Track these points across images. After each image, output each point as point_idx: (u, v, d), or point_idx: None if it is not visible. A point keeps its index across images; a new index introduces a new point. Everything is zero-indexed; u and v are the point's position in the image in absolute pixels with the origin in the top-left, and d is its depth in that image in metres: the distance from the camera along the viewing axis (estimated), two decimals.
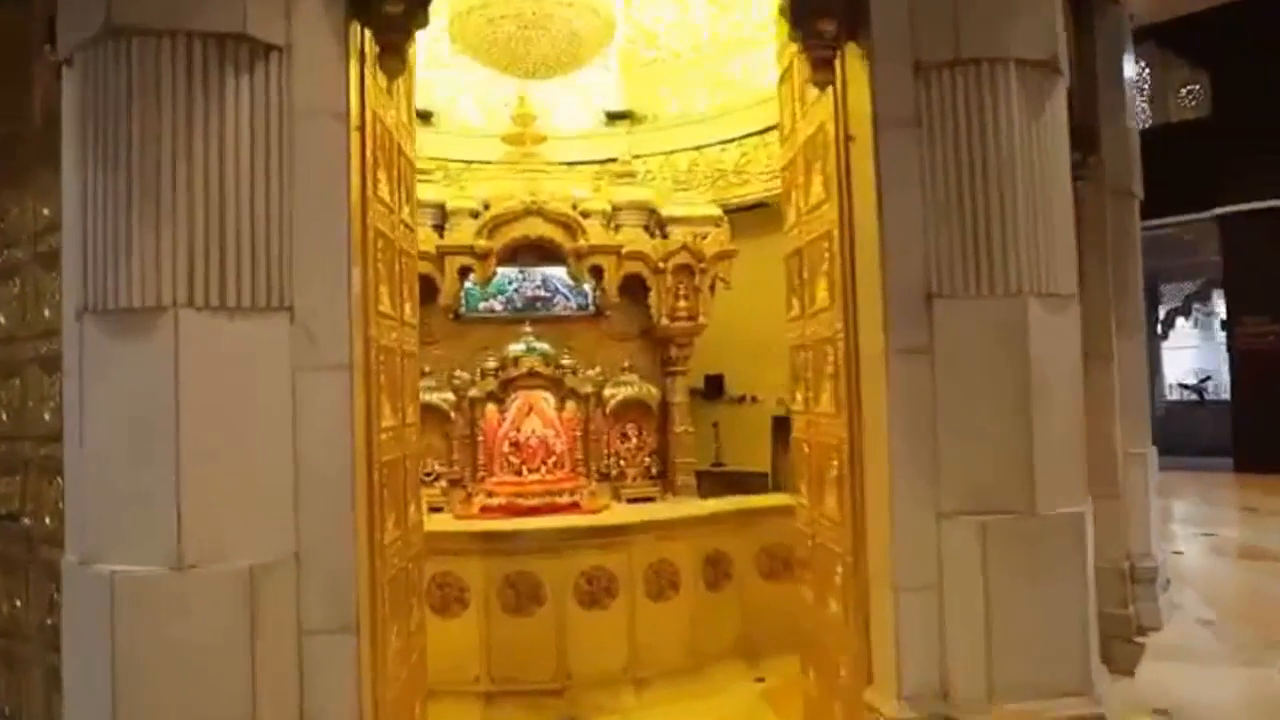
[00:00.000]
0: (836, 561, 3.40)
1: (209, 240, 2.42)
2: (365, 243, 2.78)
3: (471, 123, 8.39)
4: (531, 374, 7.03)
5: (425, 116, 8.14)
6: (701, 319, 7.19)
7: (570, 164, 7.99)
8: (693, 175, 8.17)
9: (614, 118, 8.59)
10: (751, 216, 7.73)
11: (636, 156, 7.94)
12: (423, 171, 7.25)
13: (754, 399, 8.66)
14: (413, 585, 3.62)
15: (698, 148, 8.21)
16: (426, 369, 7.18)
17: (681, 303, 7.17)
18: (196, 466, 2.37)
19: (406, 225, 3.42)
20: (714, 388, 8.70)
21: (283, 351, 2.51)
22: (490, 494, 6.68)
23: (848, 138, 3.20)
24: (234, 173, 2.44)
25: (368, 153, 2.78)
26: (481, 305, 7.35)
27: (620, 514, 5.89)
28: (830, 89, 3.22)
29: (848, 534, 3.26)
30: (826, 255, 3.48)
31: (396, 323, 3.21)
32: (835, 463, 3.38)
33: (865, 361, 3.16)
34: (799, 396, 3.94)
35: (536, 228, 6.65)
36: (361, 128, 2.75)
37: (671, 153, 8.31)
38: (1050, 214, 3.01)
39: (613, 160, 8.02)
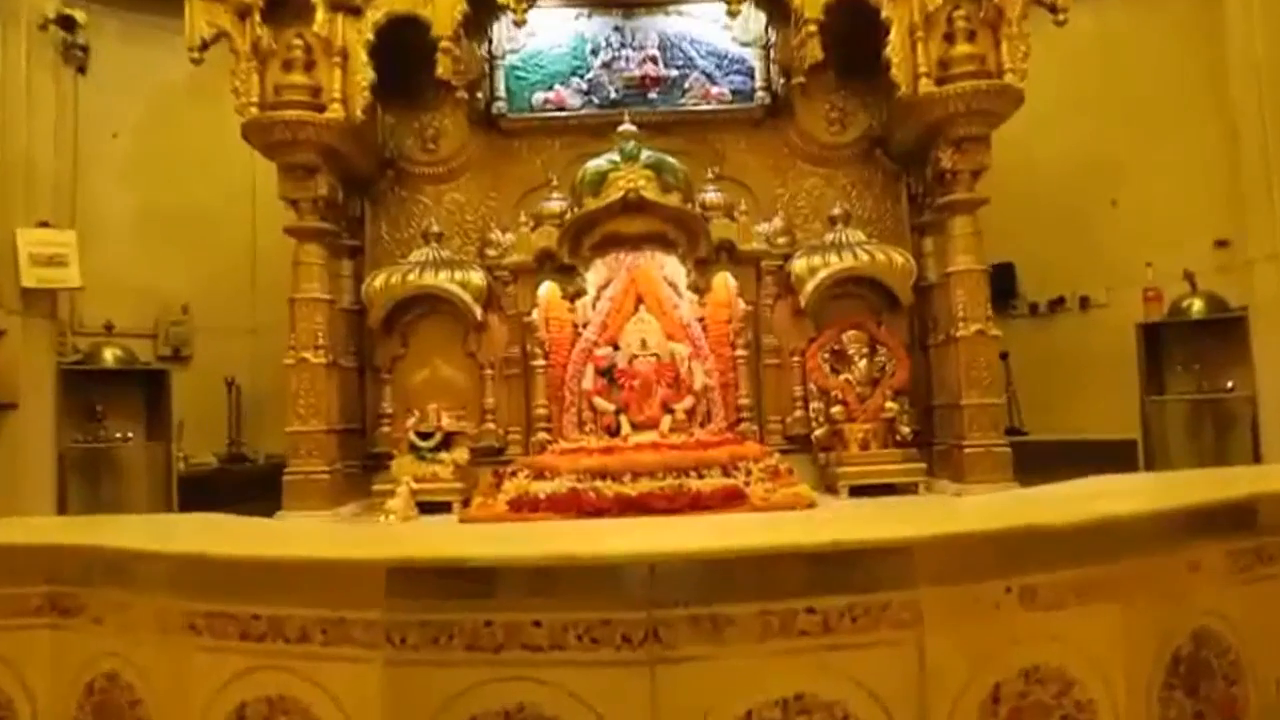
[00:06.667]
0: None
1: None
2: None
3: None
4: (633, 206, 3.22)
5: None
6: (1008, 77, 3.15)
7: None
8: None
9: None
10: None
11: None
12: None
13: (1084, 302, 4.50)
14: None
15: None
16: (434, 228, 3.59)
17: (960, 46, 3.19)
18: None
19: None
20: (998, 286, 4.58)
21: None
22: (543, 474, 2.93)
23: None
24: None
25: None
26: (539, 97, 3.64)
27: (856, 524, 1.86)
28: None
29: None
30: None
31: None
32: None
33: None
34: None
35: None
36: None
37: None
38: None
39: None
